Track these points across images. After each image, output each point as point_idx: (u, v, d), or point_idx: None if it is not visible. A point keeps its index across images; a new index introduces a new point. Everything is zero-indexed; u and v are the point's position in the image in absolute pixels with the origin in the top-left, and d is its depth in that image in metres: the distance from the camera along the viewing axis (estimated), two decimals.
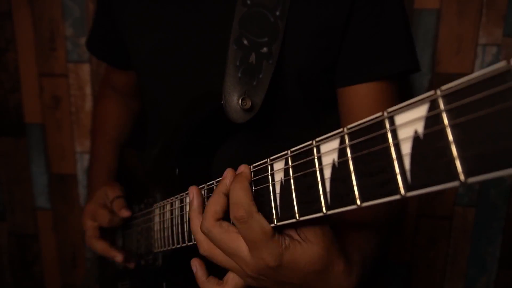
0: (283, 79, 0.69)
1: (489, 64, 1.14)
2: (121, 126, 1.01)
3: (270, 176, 0.45)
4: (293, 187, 0.41)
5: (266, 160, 0.46)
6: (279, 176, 0.44)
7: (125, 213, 0.80)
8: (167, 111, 0.81)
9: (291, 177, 0.42)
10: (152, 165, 0.81)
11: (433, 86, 1.19)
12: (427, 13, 1.14)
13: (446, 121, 0.27)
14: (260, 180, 0.47)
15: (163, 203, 0.71)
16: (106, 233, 0.84)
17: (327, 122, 0.79)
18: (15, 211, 1.56)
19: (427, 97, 0.29)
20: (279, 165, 0.44)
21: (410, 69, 0.71)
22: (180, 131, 0.72)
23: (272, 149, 0.49)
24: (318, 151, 0.38)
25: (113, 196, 0.82)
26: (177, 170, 0.70)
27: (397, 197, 0.31)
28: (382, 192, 0.32)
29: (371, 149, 0.33)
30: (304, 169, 0.40)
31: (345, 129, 0.36)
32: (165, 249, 0.69)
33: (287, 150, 0.45)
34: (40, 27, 1.37)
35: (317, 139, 0.39)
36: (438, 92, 0.28)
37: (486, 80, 0.25)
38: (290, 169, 0.42)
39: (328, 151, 0.37)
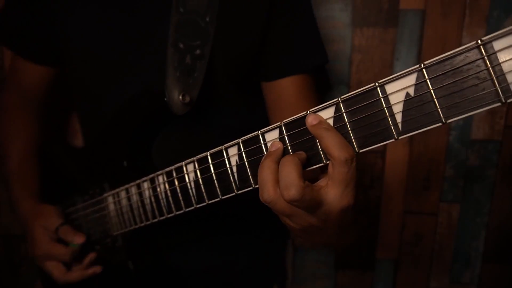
0: (215, 75, 0.78)
1: None
2: (34, 140, 0.96)
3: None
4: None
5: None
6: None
7: (82, 239, 0.81)
8: (106, 107, 0.83)
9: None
10: (95, 159, 0.84)
11: None
12: (412, 13, 1.16)
13: (430, 86, 0.43)
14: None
15: (116, 191, 0.78)
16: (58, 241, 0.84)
17: (260, 113, 0.88)
18: (1, 212, 1.54)
19: (414, 68, 0.43)
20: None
21: (322, 63, 0.84)
22: (122, 125, 0.78)
23: (210, 138, 0.59)
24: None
25: (54, 227, 0.83)
26: (125, 162, 0.77)
27: (391, 140, 0.45)
28: (377, 139, 0.46)
29: (365, 114, 0.46)
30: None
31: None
32: (125, 230, 0.79)
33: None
34: None
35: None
36: (422, 65, 0.43)
37: (457, 55, 0.41)
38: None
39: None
